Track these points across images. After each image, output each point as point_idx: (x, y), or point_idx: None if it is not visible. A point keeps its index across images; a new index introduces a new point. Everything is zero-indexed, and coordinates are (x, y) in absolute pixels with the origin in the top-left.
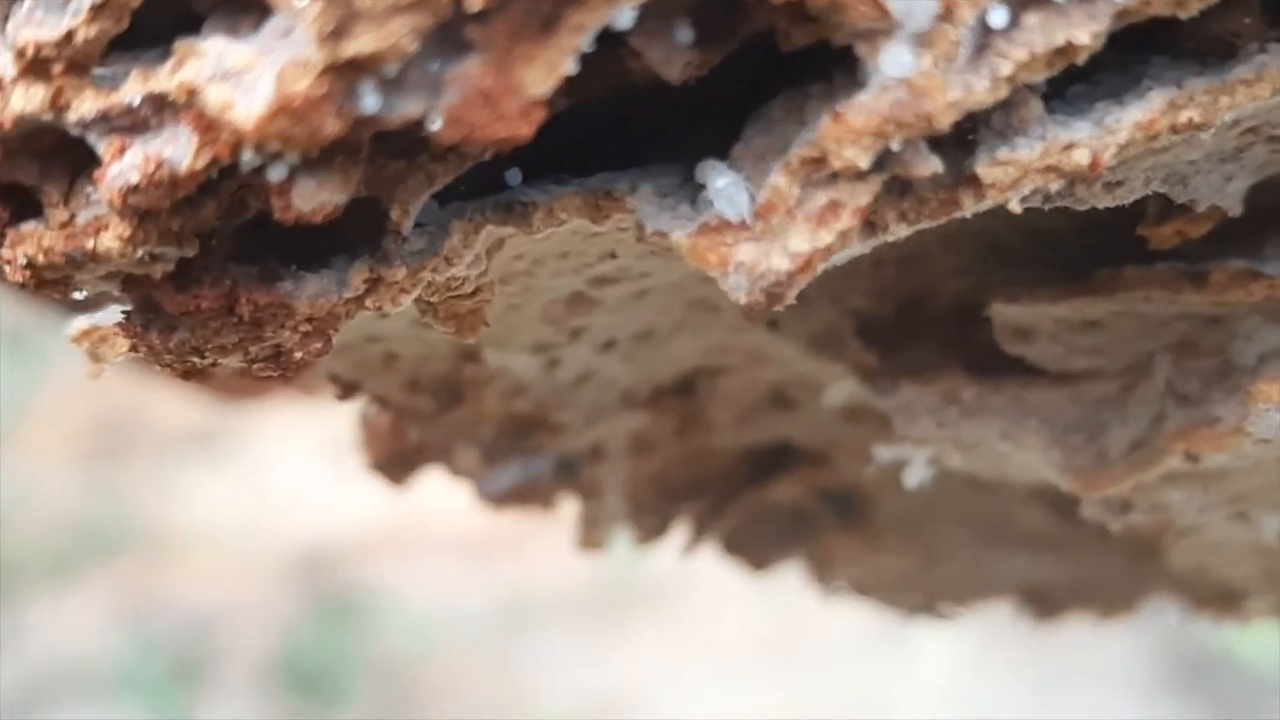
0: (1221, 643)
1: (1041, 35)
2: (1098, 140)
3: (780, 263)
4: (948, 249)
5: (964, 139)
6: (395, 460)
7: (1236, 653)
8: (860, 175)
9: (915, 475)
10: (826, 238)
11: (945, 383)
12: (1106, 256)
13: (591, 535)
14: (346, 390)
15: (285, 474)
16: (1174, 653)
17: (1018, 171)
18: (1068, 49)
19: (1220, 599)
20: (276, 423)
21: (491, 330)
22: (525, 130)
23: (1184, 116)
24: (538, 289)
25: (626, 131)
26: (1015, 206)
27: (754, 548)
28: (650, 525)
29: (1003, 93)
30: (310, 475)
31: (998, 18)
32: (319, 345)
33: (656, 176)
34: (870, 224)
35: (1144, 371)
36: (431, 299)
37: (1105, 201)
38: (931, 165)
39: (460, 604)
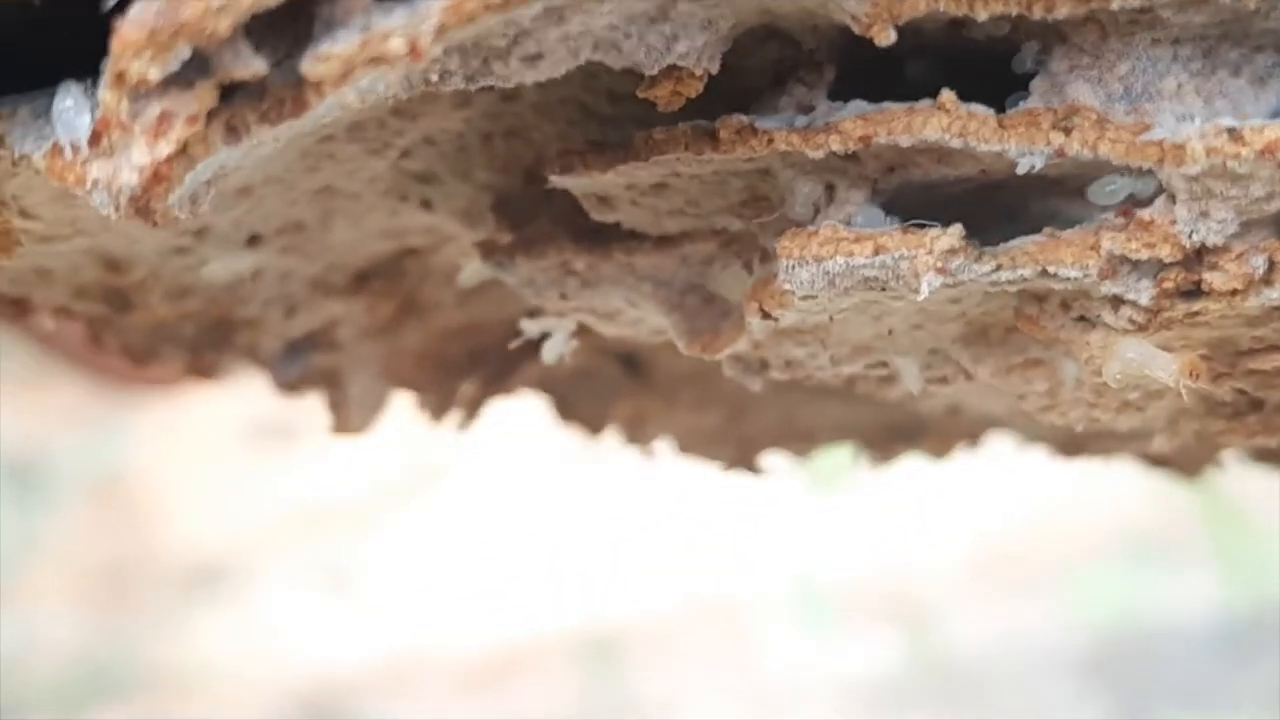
0: None
1: None
2: (413, 27)
3: (130, 177)
4: (543, 117)
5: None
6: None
7: None
8: (187, 83)
9: (555, 349)
10: (166, 149)
11: (556, 255)
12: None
13: (345, 421)
14: (17, 307)
15: (286, 610)
16: None
17: (342, 65)
18: None
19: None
20: (277, 559)
21: (113, 240)
22: None
23: None
24: None
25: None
26: (354, 101)
27: (577, 413)
28: (434, 404)
29: None
30: (310, 610)
31: None
32: None
33: (39, 98)
34: (233, 129)
35: (730, 229)
36: None
37: (532, 76)
38: (253, 67)
39: None
